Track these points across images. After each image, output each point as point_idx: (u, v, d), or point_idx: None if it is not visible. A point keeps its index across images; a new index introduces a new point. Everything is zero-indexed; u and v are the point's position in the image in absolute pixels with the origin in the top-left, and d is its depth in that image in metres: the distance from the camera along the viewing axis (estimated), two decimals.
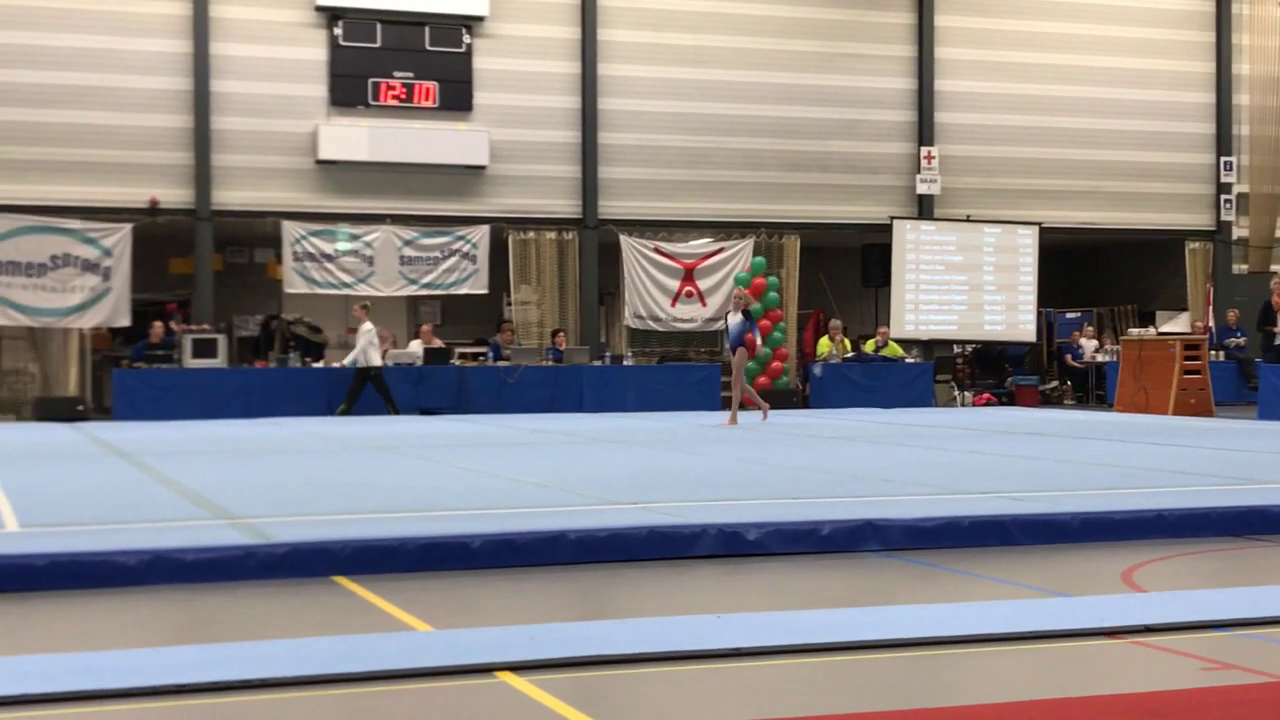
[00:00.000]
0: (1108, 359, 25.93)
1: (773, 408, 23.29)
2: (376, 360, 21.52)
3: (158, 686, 5.08)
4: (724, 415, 19.73)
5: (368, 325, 21.46)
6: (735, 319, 19.24)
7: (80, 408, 21.49)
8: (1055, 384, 26.70)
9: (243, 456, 14.06)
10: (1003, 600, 6.84)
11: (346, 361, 21.74)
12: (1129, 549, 8.42)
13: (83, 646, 5.89)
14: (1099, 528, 8.73)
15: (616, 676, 5.39)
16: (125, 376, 21.23)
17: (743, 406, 19.67)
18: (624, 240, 24.64)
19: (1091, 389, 26.95)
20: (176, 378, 21.30)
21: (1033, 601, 6.78)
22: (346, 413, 21.14)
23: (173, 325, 22.61)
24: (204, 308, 22.96)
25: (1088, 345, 26.63)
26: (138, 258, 22.56)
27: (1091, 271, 31.01)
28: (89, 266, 22.14)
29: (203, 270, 23.09)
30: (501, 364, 22.83)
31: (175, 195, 22.71)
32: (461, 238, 23.74)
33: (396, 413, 21.37)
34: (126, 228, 22.32)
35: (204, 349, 21.56)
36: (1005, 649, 5.81)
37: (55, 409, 21.28)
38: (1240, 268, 28.26)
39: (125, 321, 22.67)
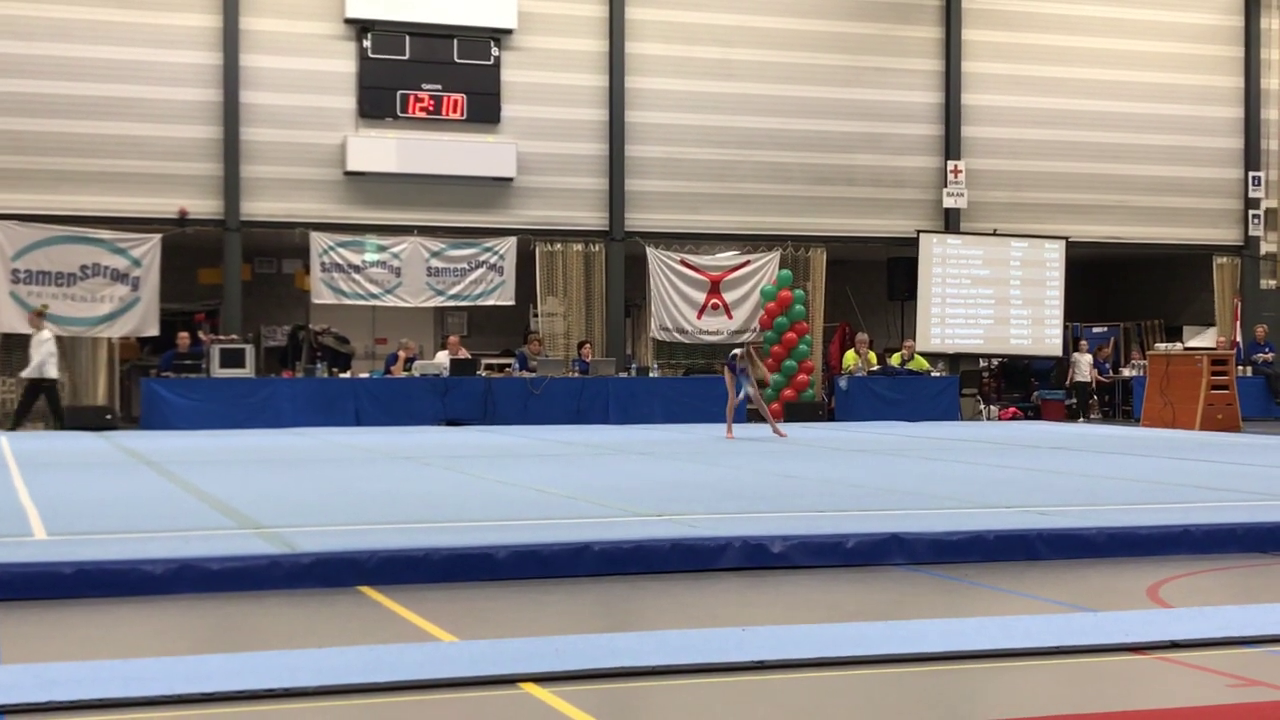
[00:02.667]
0: (1135, 373, 25.84)
1: (799, 420, 23.28)
2: (53, 373, 20.82)
3: (184, 695, 5.11)
4: (765, 429, 19.45)
5: (46, 334, 20.86)
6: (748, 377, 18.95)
7: (108, 417, 21.59)
8: (1074, 400, 26.56)
9: (269, 466, 14.11)
10: (1028, 615, 6.83)
11: (23, 374, 20.94)
12: (1155, 564, 8.40)
13: (109, 654, 5.92)
14: (1125, 543, 8.71)
15: (640, 688, 5.40)
16: (153, 386, 21.33)
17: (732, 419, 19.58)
18: (650, 253, 24.66)
19: (1118, 404, 26.83)
20: (204, 387, 21.39)
21: (1058, 617, 6.77)
22: (16, 427, 20.54)
23: (201, 335, 22.70)
24: (232, 318, 23.05)
25: (1082, 360, 26.44)
26: (166, 268, 22.66)
27: (1118, 286, 30.90)
28: (118, 276, 22.26)
29: (231, 280, 23.18)
30: (528, 375, 22.87)
31: (204, 206, 22.82)
32: (489, 249, 23.80)
33: (62, 428, 20.61)
34: (156, 238, 22.44)
35: (232, 359, 21.65)
36: (1030, 664, 5.80)
37: (84, 418, 21.37)
38: (1268, 283, 28.12)
39: (154, 331, 22.78)
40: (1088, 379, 26.31)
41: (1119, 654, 5.92)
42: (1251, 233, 27.81)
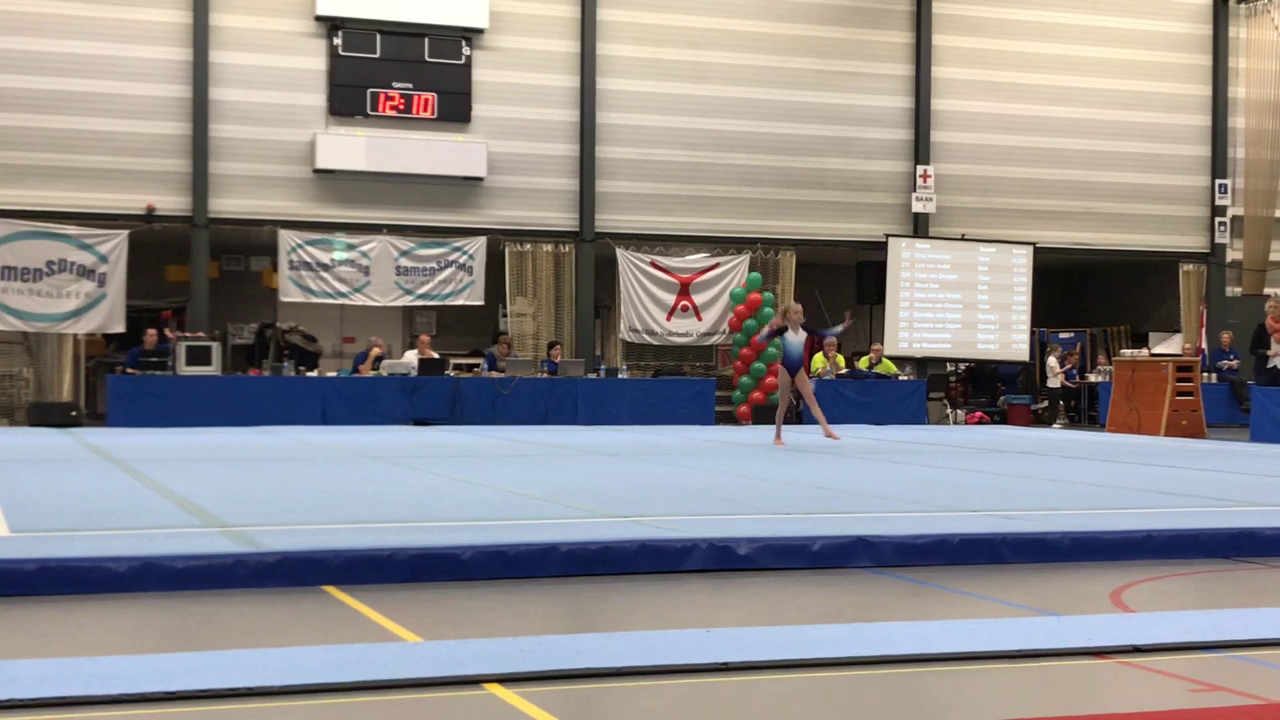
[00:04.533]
0: (1101, 379, 25.96)
1: (767, 423, 23.29)
2: None
3: (147, 693, 5.09)
4: (769, 433, 18.86)
5: None
6: (796, 337, 17.82)
7: (74, 413, 21.48)
8: (1045, 404, 26.70)
9: (235, 464, 14.05)
10: (992, 618, 6.85)
11: None
12: (1118, 569, 8.43)
13: (72, 652, 5.89)
14: (1089, 547, 8.74)
15: (605, 690, 5.40)
16: (119, 383, 21.21)
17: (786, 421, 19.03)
18: (620, 254, 24.67)
19: (1084, 410, 26.95)
20: (171, 385, 21.28)
21: (1021, 620, 6.79)
22: None
23: (167, 332, 22.60)
24: (199, 315, 22.97)
25: (1058, 365, 26.54)
26: (134, 264, 22.57)
27: (1085, 292, 31.05)
28: (85, 272, 22.15)
29: (198, 277, 23.10)
30: (496, 375, 22.84)
31: (172, 202, 22.74)
32: (458, 249, 23.77)
33: None
34: (123, 234, 22.34)
35: (198, 356, 21.56)
36: (993, 667, 5.82)
37: (49, 414, 21.26)
38: (1234, 290, 28.31)
39: (120, 328, 22.68)
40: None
41: (1081, 658, 5.94)
42: (1218, 240, 28.00)
